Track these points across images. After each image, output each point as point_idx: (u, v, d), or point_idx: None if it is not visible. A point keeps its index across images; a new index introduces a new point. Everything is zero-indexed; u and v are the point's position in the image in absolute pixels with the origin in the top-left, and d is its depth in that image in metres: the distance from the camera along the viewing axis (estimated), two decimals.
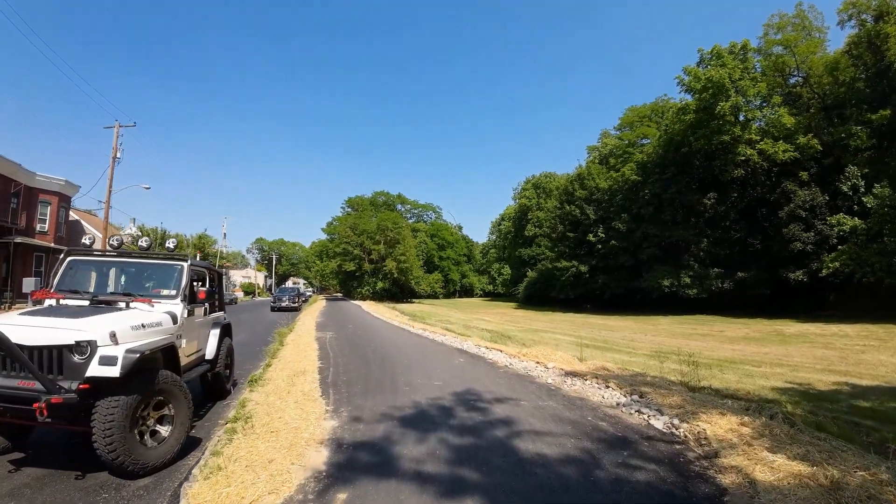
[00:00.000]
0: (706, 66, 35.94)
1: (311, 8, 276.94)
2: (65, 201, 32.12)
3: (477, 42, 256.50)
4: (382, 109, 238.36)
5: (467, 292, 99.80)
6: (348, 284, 61.02)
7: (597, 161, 50.33)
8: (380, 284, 55.47)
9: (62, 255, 5.68)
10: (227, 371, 7.48)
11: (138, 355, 3.94)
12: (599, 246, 42.32)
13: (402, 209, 78.83)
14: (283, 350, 10.82)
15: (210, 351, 6.84)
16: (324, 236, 65.77)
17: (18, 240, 27.21)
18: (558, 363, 8.95)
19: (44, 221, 30.45)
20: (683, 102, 38.61)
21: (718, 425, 5.19)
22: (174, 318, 5.28)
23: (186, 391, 4.58)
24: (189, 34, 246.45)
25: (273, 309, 34.66)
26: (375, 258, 56.20)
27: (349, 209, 68.62)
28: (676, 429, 5.31)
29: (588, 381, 7.38)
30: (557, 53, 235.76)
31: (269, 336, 14.20)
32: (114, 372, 3.74)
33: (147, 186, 31.10)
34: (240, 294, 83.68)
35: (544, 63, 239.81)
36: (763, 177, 35.39)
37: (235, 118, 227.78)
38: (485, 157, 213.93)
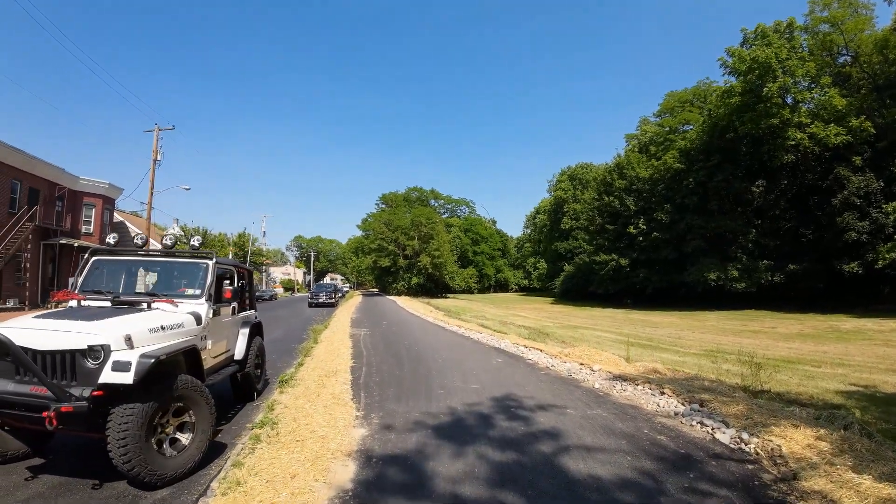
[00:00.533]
0: (750, 47, 33.79)
1: (346, 6, 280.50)
2: (109, 203, 33.46)
3: (510, 35, 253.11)
4: (417, 104, 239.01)
5: (502, 287, 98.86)
6: (383, 280, 61.49)
7: (636, 149, 48.35)
8: (414, 280, 55.57)
9: (86, 255, 5.54)
10: (258, 371, 7.28)
11: (153, 360, 3.67)
12: (640, 238, 40.68)
13: (436, 204, 78.62)
14: (317, 348, 10.64)
15: (239, 351, 6.63)
16: (359, 233, 66.46)
17: (63, 241, 28.52)
18: (604, 364, 8.33)
19: (89, 223, 31.80)
20: (728, 85, 36.41)
21: (793, 440, 4.54)
22: (198, 319, 5.04)
23: (209, 396, 4.31)
24: (223, 34, 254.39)
25: (311, 305, 35.14)
26: (410, 254, 56.29)
27: (383, 205, 69.01)
28: (746, 444, 4.67)
29: (640, 387, 6.75)
30: (592, 42, 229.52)
31: (304, 333, 14.15)
32: (127, 378, 3.48)
33: (187, 187, 32.02)
34: (280, 290, 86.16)
35: (579, 52, 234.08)
36: (814, 162, 33.05)
37: (272, 118, 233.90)
38: (518, 150, 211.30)
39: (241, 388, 6.77)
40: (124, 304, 4.82)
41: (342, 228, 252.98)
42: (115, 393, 3.55)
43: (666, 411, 5.68)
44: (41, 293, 28.26)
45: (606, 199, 42.98)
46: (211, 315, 5.37)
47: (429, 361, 8.91)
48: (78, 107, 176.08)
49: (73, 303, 4.92)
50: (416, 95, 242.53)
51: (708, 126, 38.45)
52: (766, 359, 13.16)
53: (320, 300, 35.23)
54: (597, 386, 6.96)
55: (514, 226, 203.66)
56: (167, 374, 3.97)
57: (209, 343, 5.36)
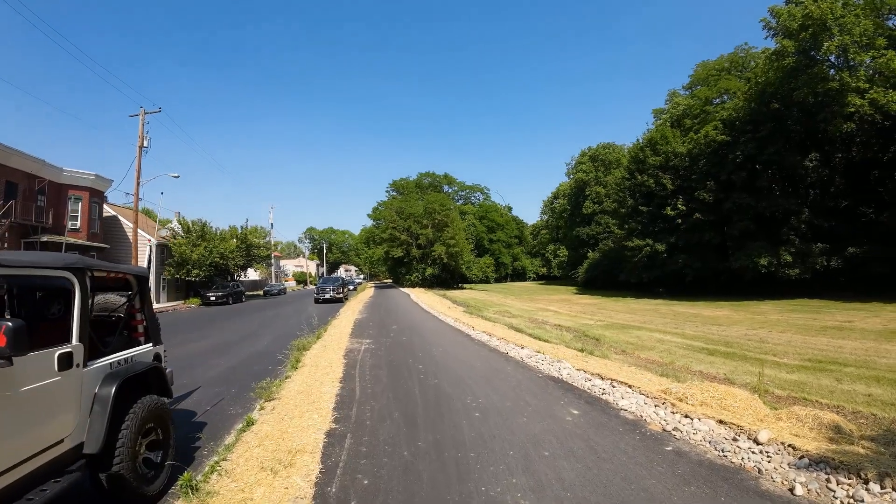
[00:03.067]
0: (797, 5, 29.42)
1: None
2: (97, 196, 30.59)
3: (523, 14, 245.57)
4: (427, 87, 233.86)
5: (519, 276, 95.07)
6: (396, 271, 58.22)
7: (668, 124, 44.10)
8: (429, 270, 52.14)
9: None
10: (159, 460, 3.96)
11: None
12: (679, 221, 36.58)
13: (450, 190, 74.76)
14: (291, 381, 7.32)
15: (94, 437, 3.32)
16: (370, 222, 63.08)
17: (45, 238, 25.72)
18: (749, 418, 4.89)
19: (75, 218, 29.00)
20: (779, 45, 31.94)
21: None
22: None
23: None
24: (225, 19, 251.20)
25: (316, 301, 32.06)
26: (423, 243, 52.83)
27: (394, 192, 65.48)
28: None
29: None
30: (607, 22, 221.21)
31: (291, 344, 10.96)
32: None
33: (176, 175, 28.95)
34: (291, 283, 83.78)
35: (593, 32, 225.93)
36: (874, 133, 28.63)
37: (279, 108, 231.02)
38: (531, 134, 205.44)
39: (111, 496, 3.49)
40: None
41: (354, 219, 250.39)
42: None
43: None
44: None
45: (639, 177, 38.86)
46: None
47: (458, 416, 5.47)
48: (75, 99, 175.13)
49: None
50: (425, 81, 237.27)
51: (755, 93, 34.00)
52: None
53: (326, 295, 32.09)
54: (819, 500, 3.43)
55: (528, 213, 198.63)
56: None
57: None
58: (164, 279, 34.87)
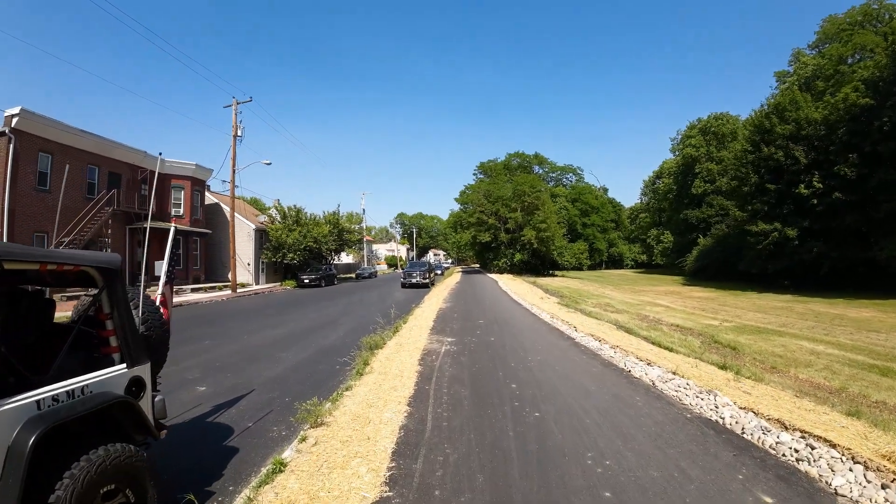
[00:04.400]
0: None
1: None
2: (198, 185, 32.26)
3: None
4: (516, 71, 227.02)
5: (616, 263, 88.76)
6: (484, 256, 56.52)
7: (796, 87, 37.29)
8: (517, 256, 49.71)
9: None
10: None
11: None
12: (815, 201, 30.52)
13: (541, 171, 70.99)
14: (350, 396, 5.85)
15: None
16: (457, 207, 61.81)
17: (146, 225, 27.54)
18: None
19: (178, 206, 30.80)
20: None
21: None
22: None
23: None
24: (308, 13, 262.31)
25: (403, 286, 31.44)
26: (512, 227, 50.40)
27: (482, 175, 63.46)
28: None
29: None
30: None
31: (369, 333, 9.74)
32: None
33: (268, 162, 29.55)
34: (383, 267, 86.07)
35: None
36: None
37: (368, 98, 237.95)
38: (628, 111, 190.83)
39: None
40: None
41: (444, 204, 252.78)
42: None
43: None
44: (129, 277, 27.70)
45: (766, 149, 33.00)
46: None
47: (578, 499, 3.51)
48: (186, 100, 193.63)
49: None
50: (518, 62, 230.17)
51: None
52: None
53: (413, 280, 31.29)
54: None
55: (624, 195, 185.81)
56: None
57: None
58: (262, 262, 36.39)
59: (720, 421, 4.98)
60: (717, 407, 5.25)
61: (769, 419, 4.87)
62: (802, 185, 30.78)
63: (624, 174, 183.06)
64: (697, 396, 5.65)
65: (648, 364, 7.25)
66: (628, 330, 11.90)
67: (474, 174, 66.27)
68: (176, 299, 24.18)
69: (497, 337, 10.66)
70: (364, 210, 66.46)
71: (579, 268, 64.28)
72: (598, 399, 5.84)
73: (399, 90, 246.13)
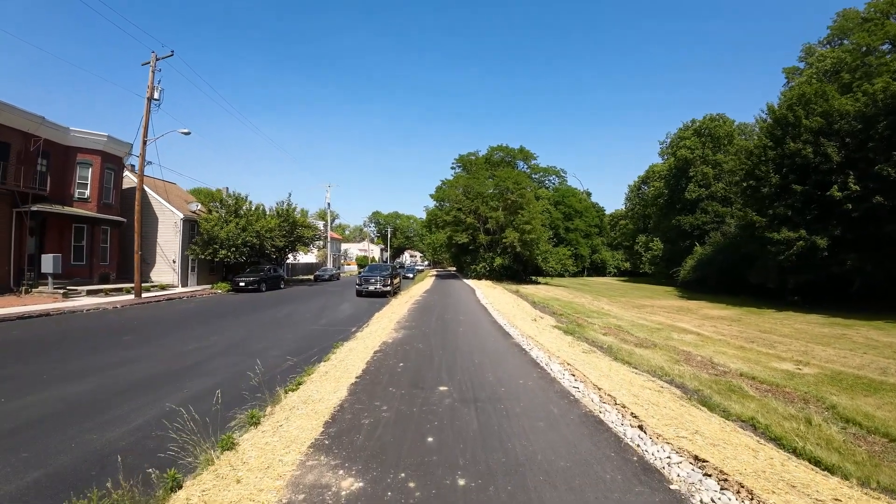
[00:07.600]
0: None
1: None
2: (112, 162, 25.86)
3: None
4: (495, 72, 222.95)
5: (598, 270, 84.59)
6: (461, 259, 50.95)
7: (815, 81, 33.41)
8: (498, 260, 44.31)
9: None
10: None
11: None
12: (849, 205, 26.14)
13: (526, 168, 65.84)
14: None
15: None
16: (433, 203, 56.09)
17: (37, 207, 21.08)
18: None
19: (83, 186, 24.40)
20: None
21: None
22: None
23: None
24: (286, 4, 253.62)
25: (359, 294, 25.65)
26: (493, 228, 45.02)
27: (461, 170, 57.95)
28: None
29: None
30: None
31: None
32: None
33: (186, 131, 23.36)
34: (352, 267, 79.55)
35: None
36: None
37: (352, 94, 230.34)
38: (610, 112, 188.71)
39: None
40: None
41: (420, 203, 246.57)
42: None
43: None
44: (14, 273, 21.12)
45: (792, 145, 28.48)
46: None
47: None
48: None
49: None
50: (496, 63, 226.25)
51: None
52: None
53: (371, 287, 25.47)
54: None
55: (604, 202, 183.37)
56: None
57: None
58: (192, 260, 30.06)
59: None
60: None
61: None
62: (835, 187, 26.30)
63: (604, 180, 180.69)
64: None
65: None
66: (725, 412, 6.33)
67: (452, 167, 60.76)
68: (55, 304, 17.87)
69: (473, 466, 4.98)
70: (329, 203, 60.24)
71: (561, 274, 59.38)
72: None
73: (373, 86, 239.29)
